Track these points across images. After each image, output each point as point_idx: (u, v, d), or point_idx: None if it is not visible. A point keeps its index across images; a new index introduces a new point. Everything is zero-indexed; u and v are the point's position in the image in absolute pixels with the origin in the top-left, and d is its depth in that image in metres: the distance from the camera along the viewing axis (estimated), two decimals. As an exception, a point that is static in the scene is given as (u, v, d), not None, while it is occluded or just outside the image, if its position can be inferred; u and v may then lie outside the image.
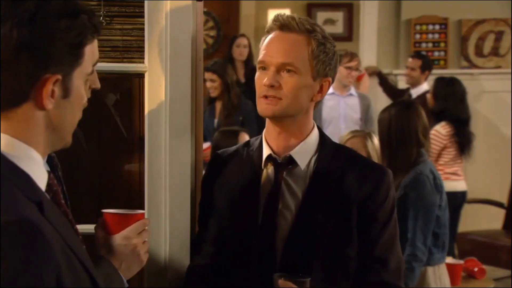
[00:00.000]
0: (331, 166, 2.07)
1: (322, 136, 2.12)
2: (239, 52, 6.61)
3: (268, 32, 2.06)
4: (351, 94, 6.18)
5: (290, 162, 2.07)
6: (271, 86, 1.99)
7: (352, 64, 6.11)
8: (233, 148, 2.19)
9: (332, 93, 6.12)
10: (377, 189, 2.05)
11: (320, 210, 2.03)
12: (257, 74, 2.06)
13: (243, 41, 6.67)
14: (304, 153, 2.07)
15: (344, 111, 6.12)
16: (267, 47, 2.04)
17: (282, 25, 2.03)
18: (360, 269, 2.05)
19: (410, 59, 6.71)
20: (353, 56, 6.16)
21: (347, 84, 6.14)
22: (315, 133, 2.10)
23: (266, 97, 2.01)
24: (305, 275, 1.92)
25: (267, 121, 2.09)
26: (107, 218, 1.85)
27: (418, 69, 6.57)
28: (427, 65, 6.61)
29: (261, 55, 2.05)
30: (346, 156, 2.13)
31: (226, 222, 2.09)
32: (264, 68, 2.03)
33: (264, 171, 2.09)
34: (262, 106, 2.02)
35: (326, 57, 2.04)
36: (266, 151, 2.09)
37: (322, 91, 2.07)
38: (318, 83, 2.05)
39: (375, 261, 2.05)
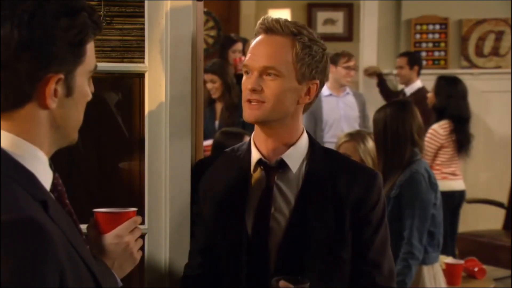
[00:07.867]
0: (322, 169, 2.06)
1: (312, 140, 2.11)
2: (234, 57, 6.57)
3: (256, 35, 2.05)
4: (347, 93, 6.23)
5: (282, 166, 2.05)
6: (253, 90, 1.99)
7: (351, 63, 6.13)
8: (216, 154, 2.18)
9: (330, 95, 6.15)
10: (368, 192, 2.04)
11: (314, 214, 2.01)
12: (243, 78, 2.05)
13: (238, 46, 6.62)
14: (295, 157, 2.06)
15: (344, 112, 6.13)
16: (251, 51, 2.03)
17: (267, 28, 2.02)
18: (354, 273, 2.05)
19: (397, 59, 6.75)
20: (350, 56, 6.18)
21: (345, 84, 6.18)
22: (304, 137, 2.09)
23: (249, 101, 2.00)
24: (304, 278, 1.89)
25: (256, 125, 2.08)
26: (98, 217, 1.85)
27: (406, 66, 6.61)
28: (413, 60, 6.64)
29: (246, 58, 2.04)
30: (336, 159, 2.12)
31: (216, 228, 2.06)
32: (247, 72, 2.02)
33: (254, 175, 2.07)
34: (246, 112, 2.01)
35: (312, 60, 2.01)
36: (255, 155, 2.07)
37: (310, 93, 2.04)
38: (305, 86, 2.03)
39: (369, 265, 2.04)
